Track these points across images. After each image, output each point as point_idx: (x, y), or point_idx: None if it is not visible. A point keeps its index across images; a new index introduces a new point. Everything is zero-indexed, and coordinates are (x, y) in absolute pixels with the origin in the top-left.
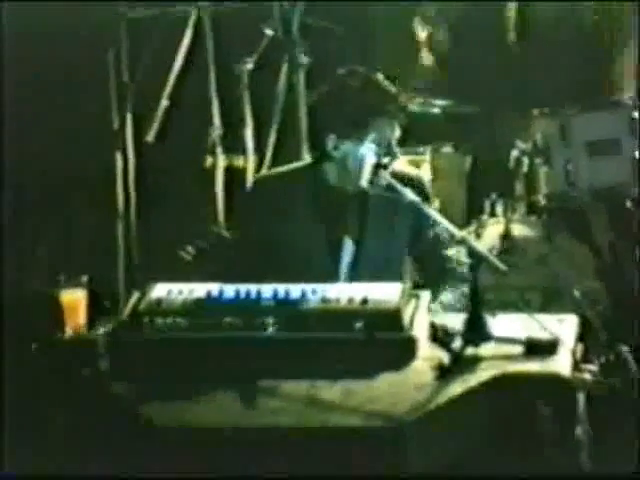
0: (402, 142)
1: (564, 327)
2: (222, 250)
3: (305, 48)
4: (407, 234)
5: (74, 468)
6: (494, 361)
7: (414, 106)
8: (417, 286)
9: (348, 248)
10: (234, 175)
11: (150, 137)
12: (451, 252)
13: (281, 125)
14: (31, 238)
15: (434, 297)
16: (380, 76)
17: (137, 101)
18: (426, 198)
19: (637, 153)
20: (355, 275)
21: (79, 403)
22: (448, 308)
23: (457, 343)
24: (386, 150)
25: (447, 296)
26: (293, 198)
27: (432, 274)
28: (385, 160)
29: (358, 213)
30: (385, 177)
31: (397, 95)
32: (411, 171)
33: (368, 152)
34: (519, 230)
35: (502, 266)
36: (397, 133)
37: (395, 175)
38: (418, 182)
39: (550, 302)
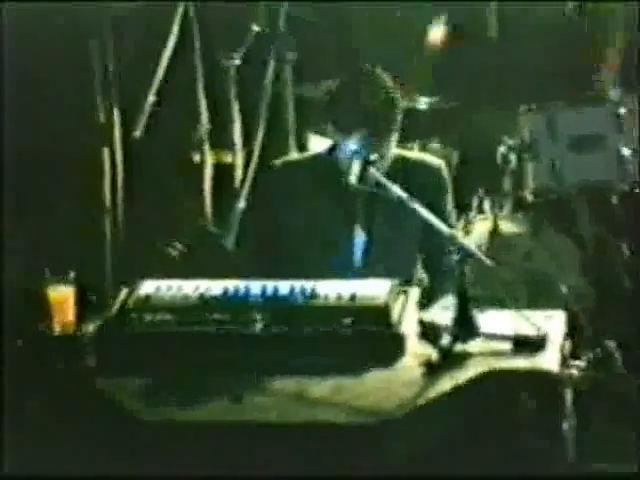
0: (399, 142)
1: (552, 323)
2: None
3: (292, 43)
4: (418, 228)
5: (59, 464)
6: (482, 357)
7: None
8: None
9: (360, 237)
10: (222, 171)
11: (137, 132)
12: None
13: (269, 120)
14: (17, 234)
15: (437, 297)
16: (385, 74)
17: (124, 96)
18: (444, 188)
19: (623, 149)
20: (367, 265)
21: (67, 400)
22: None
23: (445, 339)
24: (376, 148)
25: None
26: (308, 186)
27: (438, 272)
28: (374, 157)
29: (369, 203)
30: (373, 174)
31: (400, 95)
32: (433, 160)
33: (355, 149)
34: (507, 226)
35: (489, 262)
36: (394, 133)
37: (411, 163)
38: (437, 171)
39: (537, 298)
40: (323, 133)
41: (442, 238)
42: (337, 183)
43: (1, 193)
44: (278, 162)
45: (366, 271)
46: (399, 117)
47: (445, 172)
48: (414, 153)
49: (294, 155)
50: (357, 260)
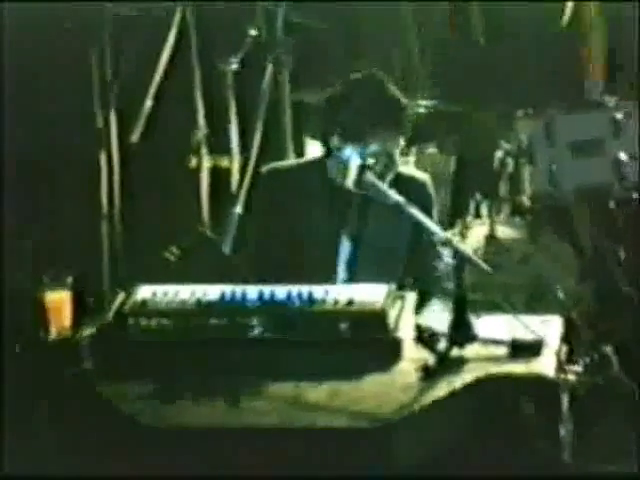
0: (405, 151)
1: (548, 328)
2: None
3: (289, 48)
4: (407, 235)
5: (58, 468)
6: (479, 362)
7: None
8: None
9: (345, 246)
10: (219, 175)
11: (135, 137)
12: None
13: (266, 125)
14: (15, 237)
15: (424, 303)
16: (392, 85)
17: (122, 100)
18: (430, 202)
19: (620, 154)
20: (354, 273)
21: (64, 404)
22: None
23: (442, 344)
24: (387, 159)
25: (437, 303)
26: (300, 192)
27: (424, 279)
28: (371, 161)
29: (359, 211)
30: (369, 178)
31: (406, 106)
32: (418, 174)
33: (352, 154)
34: (503, 231)
35: (487, 267)
36: (401, 143)
37: (401, 177)
38: (423, 185)
39: (534, 302)
40: (326, 143)
41: (431, 243)
42: (334, 189)
43: (0, 197)
44: (265, 169)
45: (352, 281)
46: (407, 123)
47: (431, 188)
48: (403, 167)
49: (286, 162)
50: (342, 272)
